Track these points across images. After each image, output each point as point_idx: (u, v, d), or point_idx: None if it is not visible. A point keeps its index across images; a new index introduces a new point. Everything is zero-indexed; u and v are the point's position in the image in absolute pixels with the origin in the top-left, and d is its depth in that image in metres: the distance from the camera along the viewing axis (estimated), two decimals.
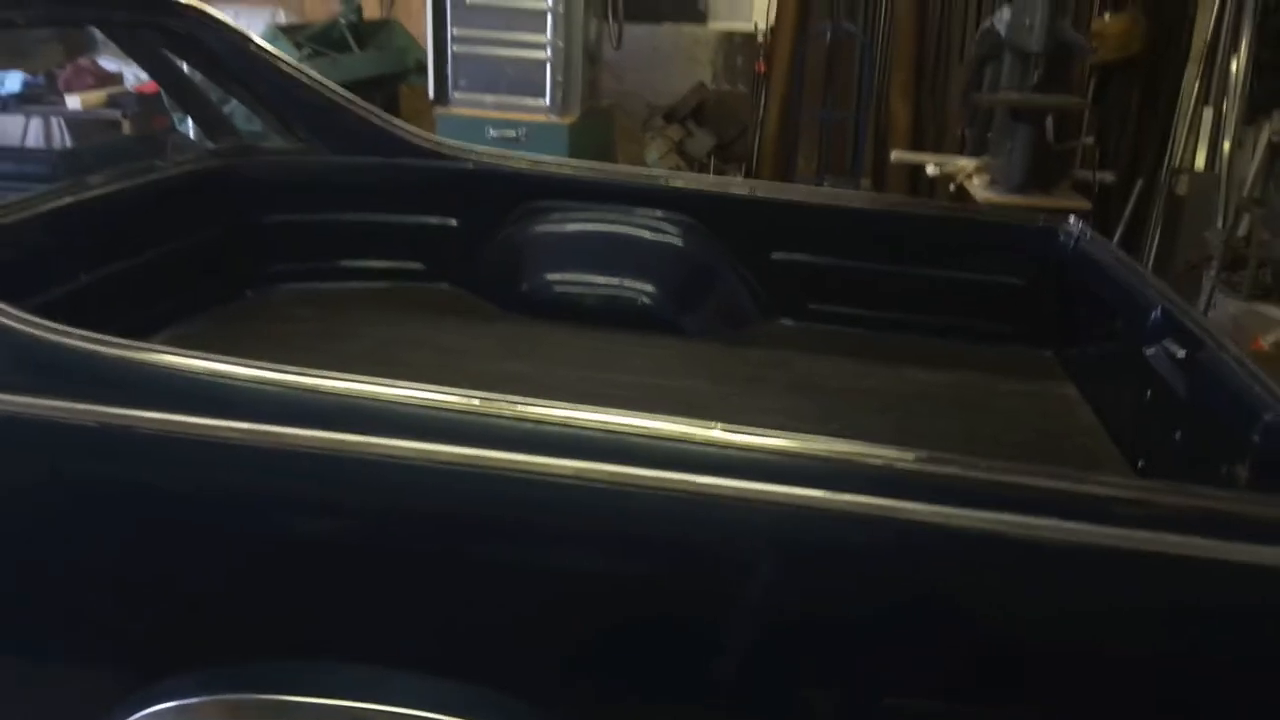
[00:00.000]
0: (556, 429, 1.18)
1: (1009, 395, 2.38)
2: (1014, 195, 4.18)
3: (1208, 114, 5.22)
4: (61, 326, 1.25)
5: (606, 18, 5.20)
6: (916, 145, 5.74)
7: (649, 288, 2.60)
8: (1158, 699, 1.17)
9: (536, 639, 1.22)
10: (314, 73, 2.57)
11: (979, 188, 4.38)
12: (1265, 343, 3.29)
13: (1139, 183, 5.63)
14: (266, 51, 2.50)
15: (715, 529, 1.16)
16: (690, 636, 1.21)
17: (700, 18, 6.35)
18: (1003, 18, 4.29)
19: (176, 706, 1.20)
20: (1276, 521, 1.16)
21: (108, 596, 1.25)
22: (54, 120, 4.77)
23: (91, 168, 2.35)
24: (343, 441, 1.15)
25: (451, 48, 4.79)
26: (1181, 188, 5.50)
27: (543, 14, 4.75)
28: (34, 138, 4.76)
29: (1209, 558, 1.12)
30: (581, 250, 2.63)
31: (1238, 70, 4.81)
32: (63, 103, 4.69)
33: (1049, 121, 4.45)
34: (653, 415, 1.19)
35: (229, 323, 2.32)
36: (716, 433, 1.17)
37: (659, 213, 2.63)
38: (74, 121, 4.73)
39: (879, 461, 1.16)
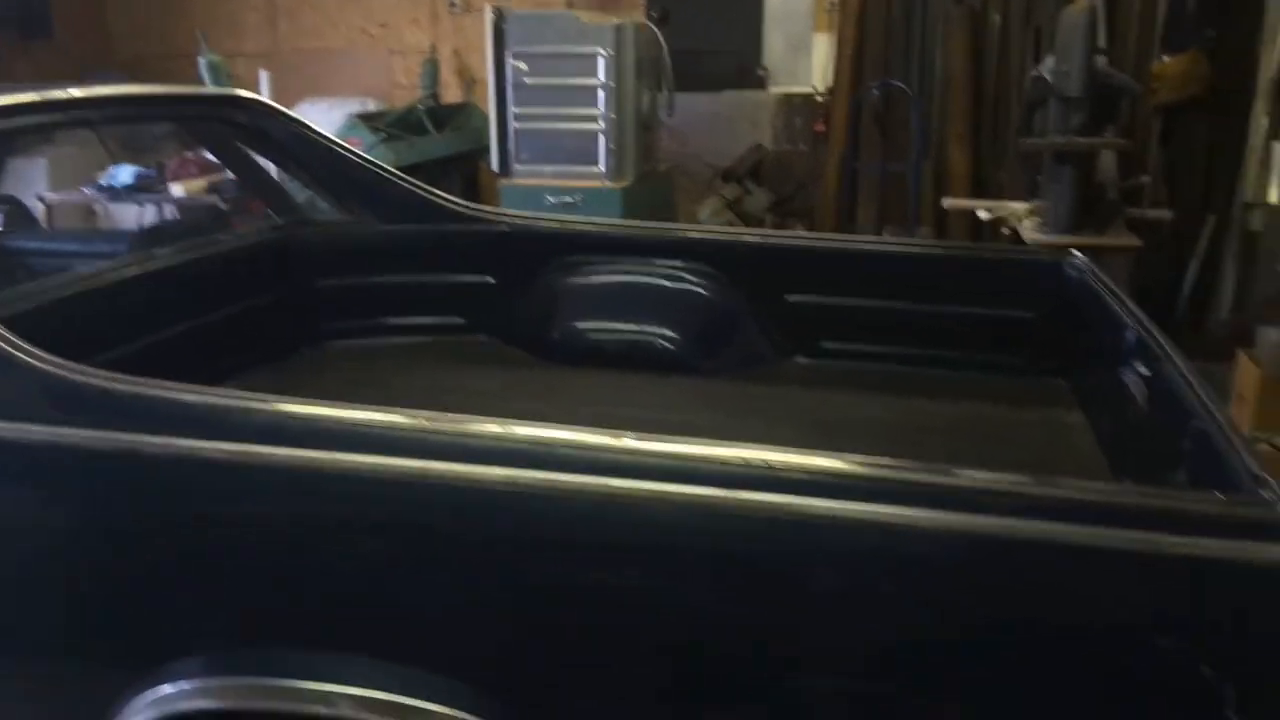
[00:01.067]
0: (496, 443, 1.36)
1: (1017, 424, 2.45)
2: (1064, 236, 4.21)
3: (1278, 149, 5.16)
4: (107, 373, 1.49)
5: (660, 89, 5.46)
6: (977, 191, 5.81)
7: (669, 331, 2.77)
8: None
9: (485, 631, 1.38)
10: (362, 153, 2.87)
11: (1030, 230, 4.43)
12: None
13: (1211, 219, 5.56)
14: (321, 135, 2.81)
15: (630, 529, 1.32)
16: (615, 631, 1.35)
17: (760, 83, 6.59)
18: (1048, 65, 4.38)
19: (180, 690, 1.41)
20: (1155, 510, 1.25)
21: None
22: (165, 206, 5.29)
23: (166, 242, 2.67)
24: (310, 458, 1.36)
25: (513, 124, 5.15)
26: (1255, 223, 5.42)
27: (594, 89, 5.07)
28: (148, 221, 5.29)
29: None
30: (607, 300, 2.82)
31: None
32: (168, 191, 5.21)
33: (1110, 161, 4.49)
34: (575, 428, 1.36)
35: (282, 374, 2.58)
36: (628, 441, 1.33)
37: (679, 262, 2.82)
38: (182, 207, 5.23)
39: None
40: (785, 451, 1.32)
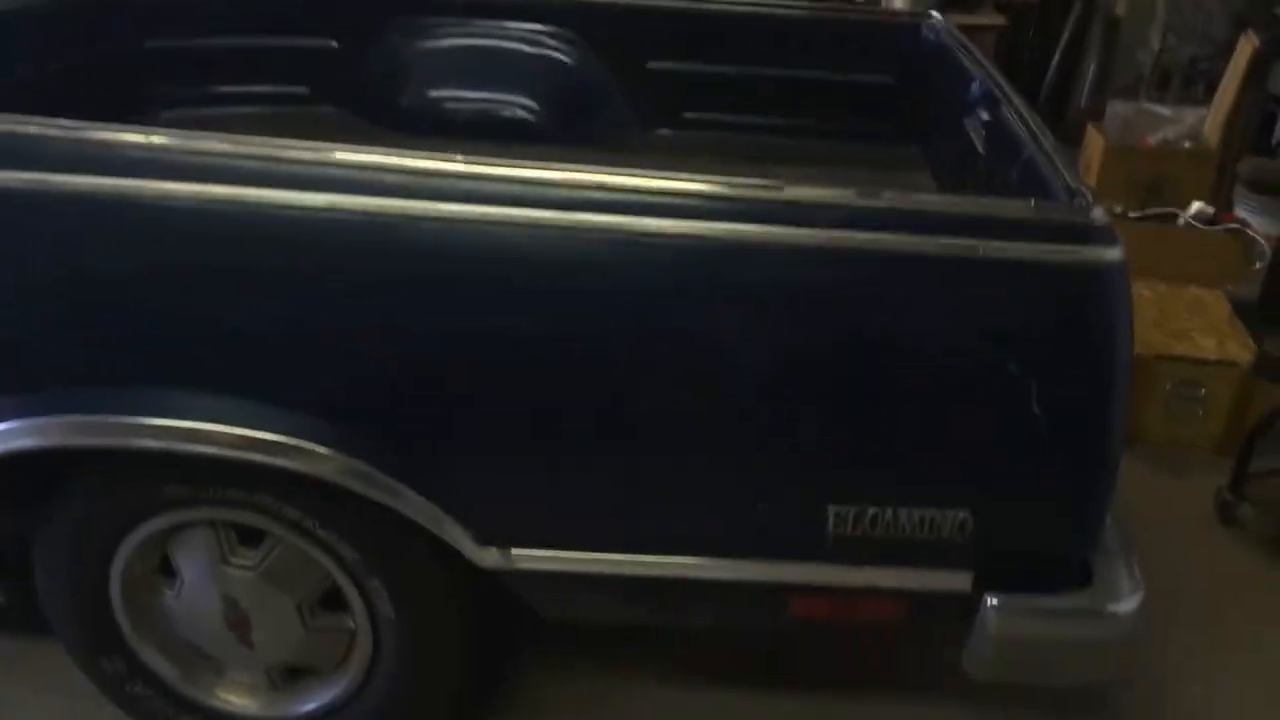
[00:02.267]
0: (321, 168, 1.30)
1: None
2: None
3: None
4: None
5: None
6: None
7: (526, 100, 2.66)
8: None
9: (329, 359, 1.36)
10: None
11: (902, 5, 4.38)
12: (1152, 141, 3.37)
13: (1077, 4, 5.59)
14: None
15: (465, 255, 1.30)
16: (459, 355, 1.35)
17: None
18: None
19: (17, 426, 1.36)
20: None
21: None
22: None
23: None
24: (143, 187, 1.28)
25: None
26: (1120, 8, 5.48)
27: None
28: None
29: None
30: (459, 66, 2.67)
31: None
32: None
33: None
34: (405, 152, 1.30)
35: None
36: (459, 165, 1.29)
37: (536, 25, 2.68)
38: None
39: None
40: (618, 173, 1.30)
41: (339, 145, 1.30)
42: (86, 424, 1.36)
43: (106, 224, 1.31)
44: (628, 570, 1.45)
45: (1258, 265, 3.53)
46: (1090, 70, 5.56)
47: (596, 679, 1.95)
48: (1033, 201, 1.27)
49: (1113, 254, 1.26)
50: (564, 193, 1.30)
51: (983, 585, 1.40)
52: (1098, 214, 1.27)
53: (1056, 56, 5.63)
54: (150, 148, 1.31)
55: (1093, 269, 1.26)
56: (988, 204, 1.31)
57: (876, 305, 1.30)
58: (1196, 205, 3.23)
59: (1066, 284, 1.26)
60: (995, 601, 1.37)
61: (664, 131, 2.76)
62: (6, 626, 1.94)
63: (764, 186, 1.29)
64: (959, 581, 1.41)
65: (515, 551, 1.44)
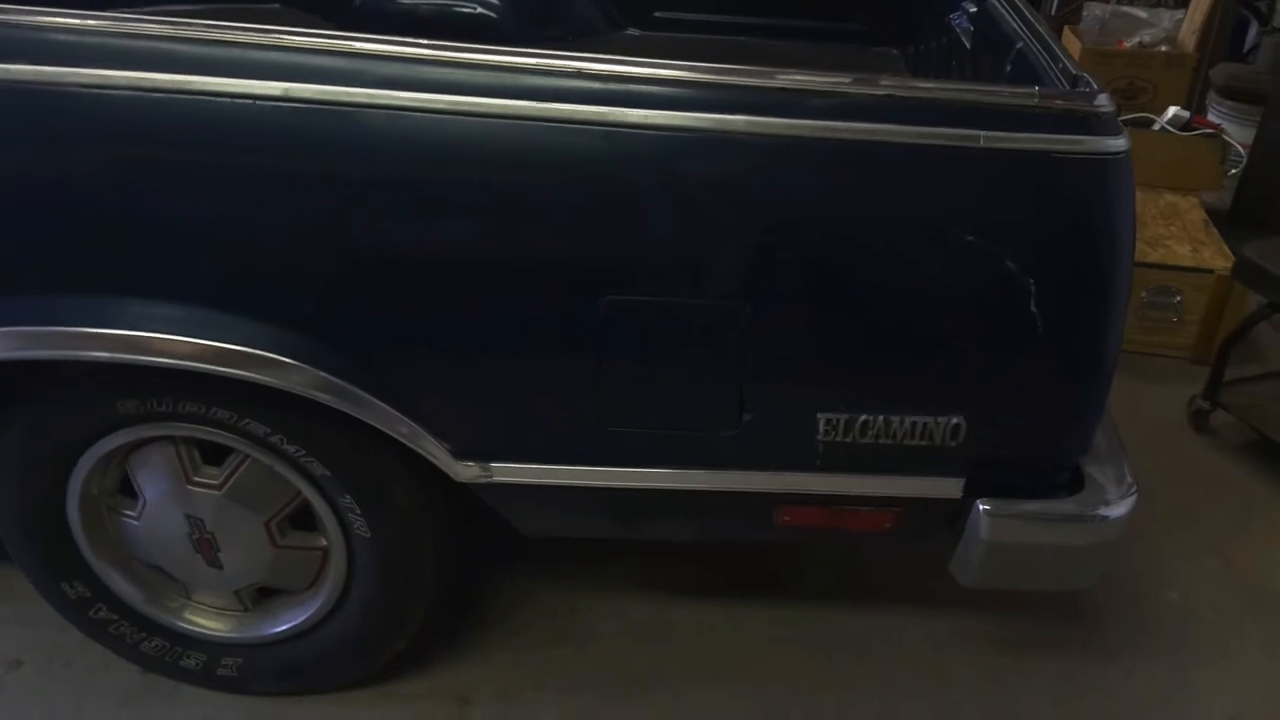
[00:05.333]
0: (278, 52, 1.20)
1: None
2: None
3: None
4: None
5: None
6: None
7: None
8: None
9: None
10: None
11: None
12: (1127, 44, 3.30)
13: None
14: None
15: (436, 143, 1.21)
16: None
17: None
18: None
19: None
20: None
21: None
22: None
23: None
24: (77, 75, 1.17)
25: None
26: None
27: None
28: None
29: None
30: None
31: None
32: None
33: None
34: (369, 37, 1.21)
35: None
36: (424, 50, 1.20)
37: None
38: None
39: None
40: (598, 59, 1.21)
41: (293, 29, 1.21)
42: (30, 335, 1.28)
43: (45, 117, 1.20)
44: (609, 483, 1.40)
45: (1232, 172, 3.51)
46: None
47: (566, 591, 1.93)
48: (1036, 88, 1.21)
49: (1118, 144, 1.20)
50: (539, 81, 1.21)
51: (974, 492, 1.37)
52: (1102, 101, 1.20)
53: None
54: (85, 31, 1.20)
55: (1098, 160, 1.19)
56: (989, 92, 1.22)
57: (869, 200, 1.23)
58: (1172, 110, 3.19)
59: (1070, 176, 1.20)
60: (987, 508, 1.35)
61: (632, 31, 2.65)
62: None
63: (754, 73, 1.21)
64: (950, 488, 1.38)
65: (494, 465, 1.38)
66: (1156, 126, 3.20)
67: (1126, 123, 3.24)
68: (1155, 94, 3.34)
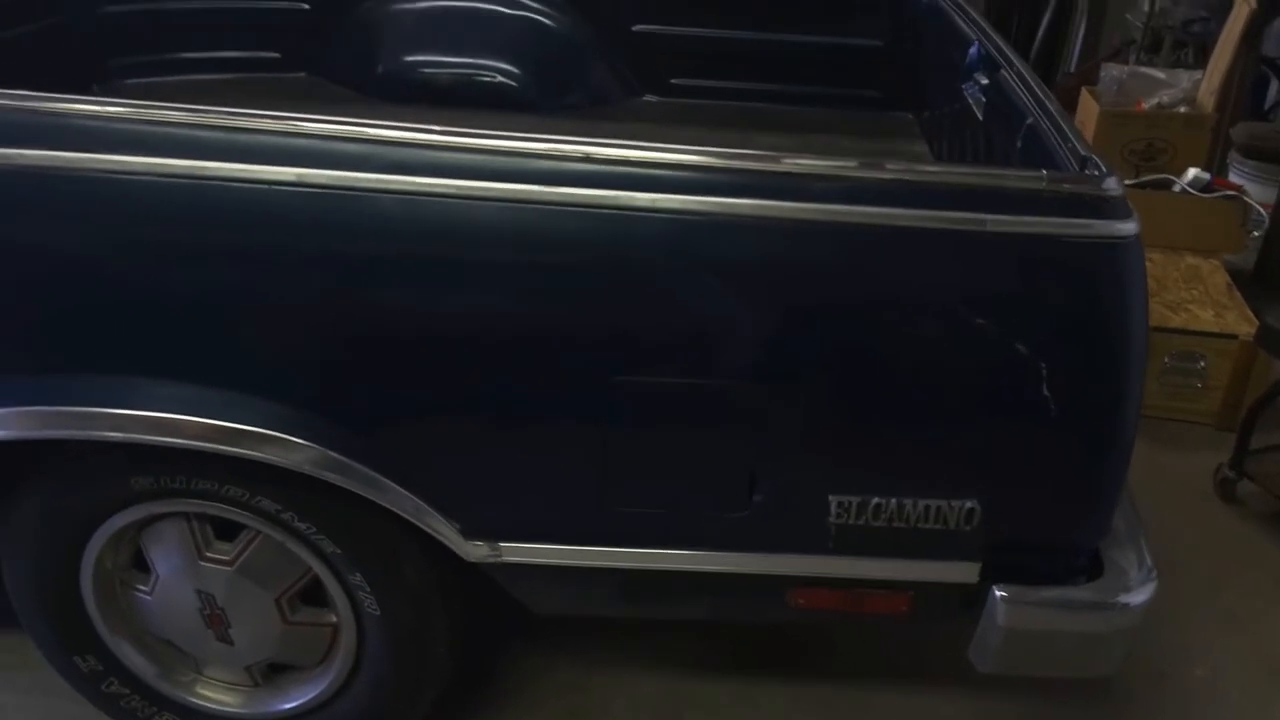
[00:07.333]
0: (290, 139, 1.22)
1: (860, 155, 2.41)
2: None
3: None
4: None
5: None
6: None
7: (507, 65, 2.56)
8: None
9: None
10: None
11: None
12: (1146, 105, 3.30)
13: None
14: None
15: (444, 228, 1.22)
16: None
17: None
18: None
19: None
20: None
21: None
22: None
23: None
24: (99, 160, 1.19)
25: None
26: None
27: None
28: None
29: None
30: (438, 29, 2.58)
31: None
32: None
33: None
34: (373, 122, 1.22)
35: None
36: (435, 136, 1.21)
37: None
38: None
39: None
40: (606, 144, 1.22)
41: (307, 115, 1.22)
42: (47, 415, 1.29)
43: (62, 200, 1.23)
44: (620, 564, 1.39)
45: (1255, 233, 3.48)
46: (1079, 34, 5.49)
47: (580, 668, 1.90)
48: (1043, 172, 1.20)
49: (1127, 227, 1.19)
50: (549, 165, 1.22)
51: (990, 576, 1.35)
52: (1111, 184, 1.20)
53: (1046, 19, 5.55)
54: (106, 118, 1.23)
55: (1107, 244, 1.19)
56: (996, 175, 1.23)
57: (878, 283, 1.23)
58: (1192, 172, 3.17)
59: (1079, 260, 1.19)
60: (1004, 594, 1.32)
61: (650, 98, 2.68)
62: None
63: (760, 158, 1.21)
64: (966, 573, 1.35)
65: (504, 545, 1.38)
66: (1177, 188, 3.18)
67: (1146, 184, 3.25)
68: (1174, 155, 3.32)
